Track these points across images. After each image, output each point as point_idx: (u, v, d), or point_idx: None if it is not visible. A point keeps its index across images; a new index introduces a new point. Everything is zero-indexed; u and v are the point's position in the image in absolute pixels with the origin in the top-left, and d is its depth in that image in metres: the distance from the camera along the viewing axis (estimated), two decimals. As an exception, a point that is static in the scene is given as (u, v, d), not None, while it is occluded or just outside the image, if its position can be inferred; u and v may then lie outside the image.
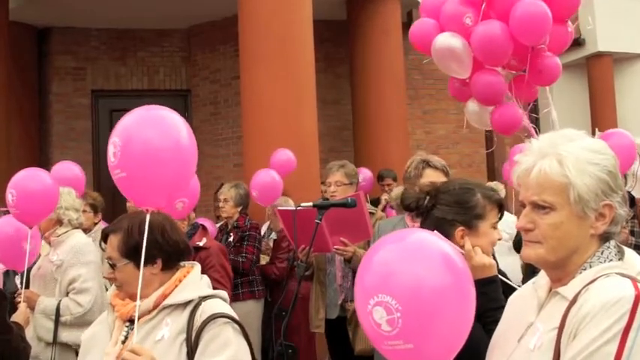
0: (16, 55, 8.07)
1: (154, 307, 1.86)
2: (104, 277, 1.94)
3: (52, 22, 8.77)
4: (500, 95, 3.73)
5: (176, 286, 1.88)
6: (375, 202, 6.46)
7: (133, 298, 1.86)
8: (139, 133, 1.94)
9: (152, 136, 1.93)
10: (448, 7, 3.73)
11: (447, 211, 1.89)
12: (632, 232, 4.64)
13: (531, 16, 3.43)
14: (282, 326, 2.86)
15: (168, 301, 1.85)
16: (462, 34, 3.65)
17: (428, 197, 1.98)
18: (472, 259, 1.82)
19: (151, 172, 1.93)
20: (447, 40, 3.62)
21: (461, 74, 3.71)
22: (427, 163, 2.87)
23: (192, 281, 1.90)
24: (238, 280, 4.67)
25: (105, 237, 1.95)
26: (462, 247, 1.85)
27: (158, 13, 8.48)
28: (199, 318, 1.80)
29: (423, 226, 1.99)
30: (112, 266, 1.89)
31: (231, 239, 4.77)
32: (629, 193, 4.99)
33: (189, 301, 1.84)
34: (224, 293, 1.93)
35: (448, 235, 1.88)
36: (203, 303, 1.83)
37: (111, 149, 1.93)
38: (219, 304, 1.86)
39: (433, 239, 1.32)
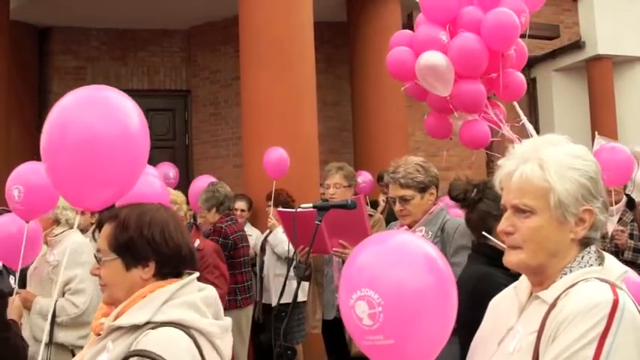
0: (16, 54, 8.08)
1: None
2: (91, 272, 1.65)
3: (53, 21, 8.78)
4: (481, 102, 3.82)
5: (134, 302, 1.53)
6: (374, 205, 6.47)
7: (115, 303, 1.58)
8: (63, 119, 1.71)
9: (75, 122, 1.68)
10: (420, 31, 3.84)
11: (493, 206, 1.92)
12: (631, 236, 4.63)
13: (502, 23, 3.58)
14: (281, 327, 2.86)
15: (115, 322, 1.52)
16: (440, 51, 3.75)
17: (475, 190, 2.01)
18: None
19: (78, 165, 1.68)
20: (431, 57, 3.69)
21: (443, 92, 3.78)
22: (390, 175, 2.99)
23: (154, 300, 1.52)
24: None
25: (100, 225, 1.66)
26: (504, 242, 1.88)
27: (159, 13, 8.49)
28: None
29: (468, 217, 2.05)
30: (98, 260, 1.61)
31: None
32: (629, 196, 4.99)
33: (139, 326, 1.49)
34: (198, 322, 1.52)
35: (491, 228, 1.91)
36: (148, 332, 1.47)
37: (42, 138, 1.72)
38: (165, 336, 1.46)
39: (416, 241, 1.34)
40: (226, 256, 4.60)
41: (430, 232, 2.93)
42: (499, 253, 1.88)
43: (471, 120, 3.96)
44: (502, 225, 1.35)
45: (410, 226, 3.04)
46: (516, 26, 3.60)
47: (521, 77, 3.99)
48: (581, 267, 1.30)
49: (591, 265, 1.30)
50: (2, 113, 7.34)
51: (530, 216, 1.31)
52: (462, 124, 4.04)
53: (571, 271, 1.30)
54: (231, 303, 4.61)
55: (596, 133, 5.80)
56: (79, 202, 1.83)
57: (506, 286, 1.80)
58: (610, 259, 1.33)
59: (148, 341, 1.44)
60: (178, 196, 3.80)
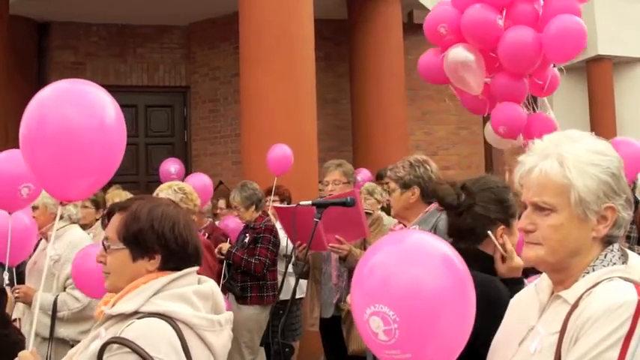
0: (15, 49, 8.06)
1: None
2: (97, 260, 1.72)
3: (52, 16, 8.75)
4: (519, 127, 3.71)
5: (128, 291, 1.57)
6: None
7: (115, 291, 1.62)
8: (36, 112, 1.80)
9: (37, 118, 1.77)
10: (472, 14, 3.65)
11: (489, 208, 1.89)
12: (627, 237, 4.61)
13: (567, 31, 3.41)
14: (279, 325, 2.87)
15: (108, 310, 1.57)
16: (491, 38, 3.60)
17: (465, 193, 1.96)
18: (513, 260, 1.83)
19: (57, 157, 1.76)
20: (460, 53, 3.57)
21: (473, 90, 3.67)
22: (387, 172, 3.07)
23: (145, 290, 1.55)
24: (248, 283, 4.64)
25: (110, 214, 1.68)
26: (502, 245, 1.85)
27: (158, 9, 8.47)
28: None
29: (457, 222, 1.97)
30: (105, 248, 1.64)
31: (246, 240, 4.71)
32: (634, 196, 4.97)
33: (128, 315, 1.53)
34: (183, 314, 1.54)
35: (485, 232, 1.87)
36: (133, 322, 1.50)
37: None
38: (147, 326, 1.49)
39: (431, 242, 1.28)
40: (274, 253, 4.70)
41: (422, 231, 2.95)
42: (492, 262, 1.85)
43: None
44: (522, 222, 1.32)
45: (405, 225, 3.05)
46: (583, 34, 3.43)
47: (556, 72, 3.90)
48: (604, 266, 1.26)
49: (614, 263, 1.27)
50: (1, 109, 7.32)
51: (550, 214, 1.27)
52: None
53: (594, 270, 1.26)
54: (268, 298, 4.65)
55: (593, 133, 5.79)
56: (59, 193, 1.88)
57: (508, 295, 1.77)
58: (634, 257, 1.29)
59: (130, 330, 1.48)
60: (186, 186, 3.81)
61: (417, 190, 2.99)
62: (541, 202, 1.28)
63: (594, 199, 1.25)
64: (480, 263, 1.85)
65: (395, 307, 1.17)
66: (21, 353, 1.79)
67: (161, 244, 1.60)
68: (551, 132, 1.41)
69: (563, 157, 1.26)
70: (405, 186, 2.99)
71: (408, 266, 1.21)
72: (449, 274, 1.22)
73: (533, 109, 4.08)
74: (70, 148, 1.80)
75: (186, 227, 1.65)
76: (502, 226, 1.86)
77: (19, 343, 2.52)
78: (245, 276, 4.64)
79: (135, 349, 1.44)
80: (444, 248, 1.26)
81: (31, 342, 1.97)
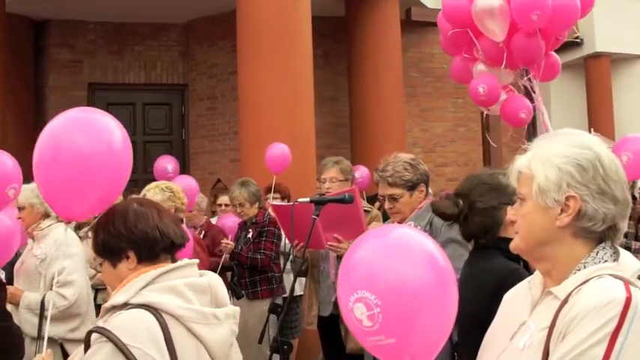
0: (12, 47, 8.04)
1: None
2: (100, 279, 1.86)
3: (49, 14, 8.73)
4: (538, 56, 3.88)
5: (123, 286, 1.64)
6: (373, 199, 6.45)
7: None
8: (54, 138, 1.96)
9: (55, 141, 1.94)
10: None
11: (487, 199, 1.95)
12: (626, 235, 4.63)
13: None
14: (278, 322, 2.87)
15: (105, 304, 1.65)
16: None
17: (461, 200, 2.00)
18: None
19: (68, 181, 1.93)
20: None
21: (497, 36, 3.78)
22: (379, 174, 2.99)
23: (136, 283, 1.60)
24: (257, 278, 4.65)
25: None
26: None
27: (156, 7, 8.45)
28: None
29: (466, 228, 2.00)
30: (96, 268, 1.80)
31: (249, 235, 4.74)
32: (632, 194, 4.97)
33: (119, 307, 1.59)
34: (169, 305, 1.57)
35: (499, 219, 1.91)
36: (120, 313, 1.56)
37: None
38: (129, 316, 1.54)
39: (415, 236, 1.33)
40: (278, 246, 4.75)
41: (418, 227, 2.92)
42: None
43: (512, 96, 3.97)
44: (508, 214, 1.41)
45: (400, 223, 3.04)
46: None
47: (558, 58, 4.12)
48: (595, 263, 1.27)
49: (606, 260, 1.27)
50: (-2, 107, 7.31)
51: (523, 203, 1.34)
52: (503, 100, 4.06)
53: (585, 267, 1.27)
54: (278, 290, 4.66)
55: (592, 130, 5.79)
56: (68, 214, 2.04)
57: None
58: (625, 255, 1.30)
59: (113, 320, 1.54)
60: (173, 185, 3.80)
61: (424, 188, 2.99)
62: (518, 193, 1.36)
63: (555, 189, 1.27)
64: (504, 251, 1.88)
65: (377, 293, 1.21)
66: (36, 358, 1.88)
67: (127, 241, 1.66)
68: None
69: (535, 151, 1.33)
70: (413, 187, 2.97)
71: (390, 259, 1.25)
72: (429, 269, 1.26)
73: (532, 91, 4.16)
74: (80, 172, 1.96)
75: (137, 216, 1.69)
76: (509, 206, 1.90)
77: (18, 335, 2.54)
78: (253, 271, 4.66)
79: (111, 338, 1.48)
80: (426, 243, 1.31)
81: (44, 344, 2.03)
